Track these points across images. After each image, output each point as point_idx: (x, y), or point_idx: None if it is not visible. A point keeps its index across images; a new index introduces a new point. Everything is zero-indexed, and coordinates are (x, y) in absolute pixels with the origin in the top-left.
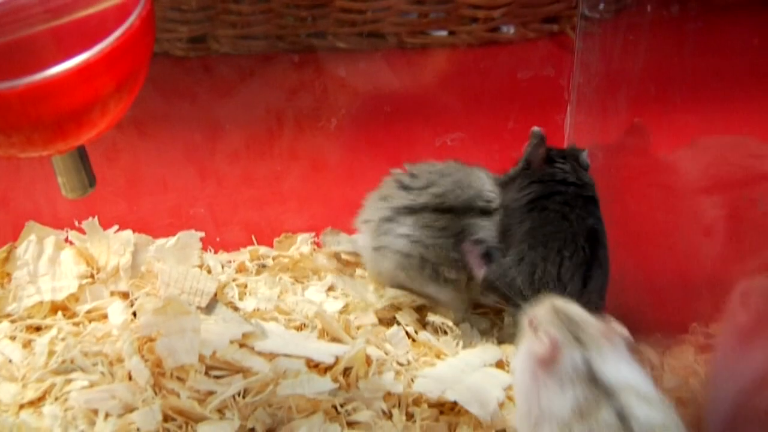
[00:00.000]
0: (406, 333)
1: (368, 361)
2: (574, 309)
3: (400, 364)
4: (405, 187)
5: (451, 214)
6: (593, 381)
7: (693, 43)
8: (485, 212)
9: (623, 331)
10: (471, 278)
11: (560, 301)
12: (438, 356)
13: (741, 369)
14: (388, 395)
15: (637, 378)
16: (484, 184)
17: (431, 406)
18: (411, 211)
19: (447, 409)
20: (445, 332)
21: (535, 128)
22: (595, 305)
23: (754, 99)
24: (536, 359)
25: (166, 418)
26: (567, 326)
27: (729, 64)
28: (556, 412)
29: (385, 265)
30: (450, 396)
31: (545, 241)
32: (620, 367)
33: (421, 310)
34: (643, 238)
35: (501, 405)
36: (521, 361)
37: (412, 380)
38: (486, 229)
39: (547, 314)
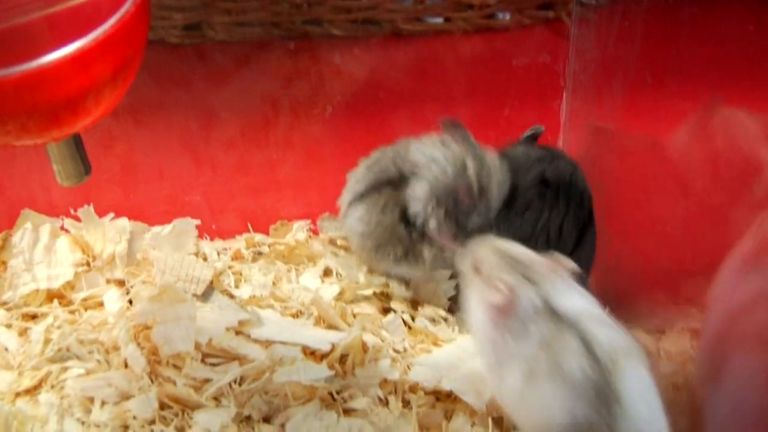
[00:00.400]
0: (403, 320)
1: (364, 348)
2: (516, 248)
3: (397, 351)
4: (367, 169)
5: (389, 189)
6: (553, 315)
7: (688, 29)
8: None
9: (569, 262)
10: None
11: (499, 241)
12: (435, 343)
13: (734, 294)
14: (384, 382)
15: (591, 305)
16: (417, 150)
17: (427, 393)
18: (363, 193)
19: (443, 396)
20: (445, 319)
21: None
22: (584, 267)
23: (750, 86)
24: (495, 309)
25: (162, 406)
26: (516, 268)
27: (725, 50)
28: (523, 351)
29: (355, 249)
30: (446, 385)
31: (553, 196)
32: (574, 298)
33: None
34: (639, 223)
35: None
36: (479, 314)
37: (409, 367)
38: (419, 199)
39: (492, 258)
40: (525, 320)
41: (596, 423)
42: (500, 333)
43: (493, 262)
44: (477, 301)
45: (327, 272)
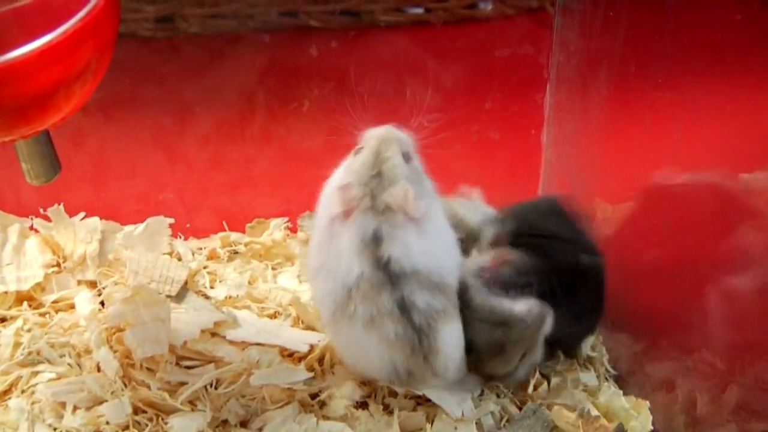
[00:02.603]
0: None
1: None
2: (398, 163)
3: None
4: None
5: None
6: (379, 260)
7: (674, 19)
8: None
9: (422, 207)
10: None
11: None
12: None
13: None
14: (362, 384)
15: (425, 263)
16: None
17: (408, 397)
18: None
19: (424, 400)
20: None
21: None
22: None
23: (737, 75)
24: (333, 217)
25: (135, 411)
26: (374, 185)
27: (711, 40)
28: (343, 275)
29: None
30: (418, 391)
31: None
32: (410, 250)
33: None
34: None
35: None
36: (325, 198)
37: None
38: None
39: (365, 164)
40: (352, 245)
41: (415, 370)
42: (330, 238)
43: (359, 166)
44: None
45: (305, 272)
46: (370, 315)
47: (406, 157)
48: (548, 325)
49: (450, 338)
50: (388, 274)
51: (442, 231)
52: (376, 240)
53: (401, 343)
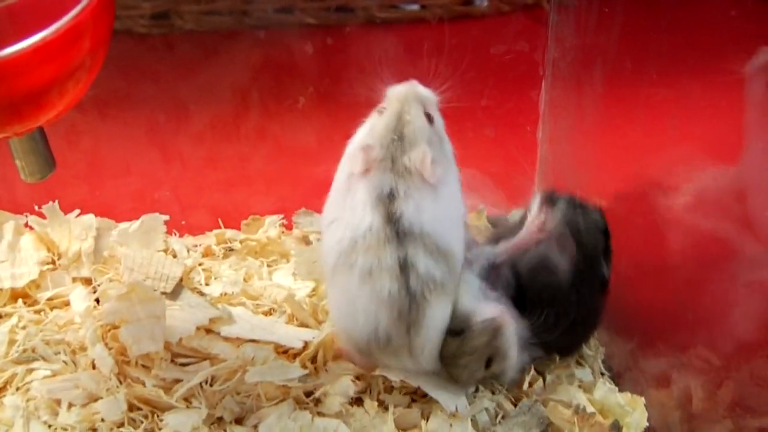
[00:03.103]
0: None
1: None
2: (420, 126)
3: None
4: None
5: None
6: (390, 217)
7: (669, 15)
8: None
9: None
10: None
11: (422, 94)
12: None
13: None
14: (357, 380)
15: (435, 228)
16: None
17: (403, 393)
18: None
19: (419, 396)
20: None
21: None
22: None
23: (732, 72)
24: (352, 173)
25: (131, 408)
26: (395, 148)
27: (706, 36)
28: (350, 219)
29: None
30: (413, 382)
31: None
32: (422, 211)
33: None
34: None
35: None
36: (342, 172)
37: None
38: None
39: (387, 127)
40: (366, 201)
41: (395, 338)
42: (347, 193)
43: (379, 127)
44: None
45: (300, 269)
46: (370, 267)
47: (429, 118)
48: (507, 337)
49: (438, 316)
50: (396, 230)
51: (455, 199)
52: (390, 197)
53: (391, 302)
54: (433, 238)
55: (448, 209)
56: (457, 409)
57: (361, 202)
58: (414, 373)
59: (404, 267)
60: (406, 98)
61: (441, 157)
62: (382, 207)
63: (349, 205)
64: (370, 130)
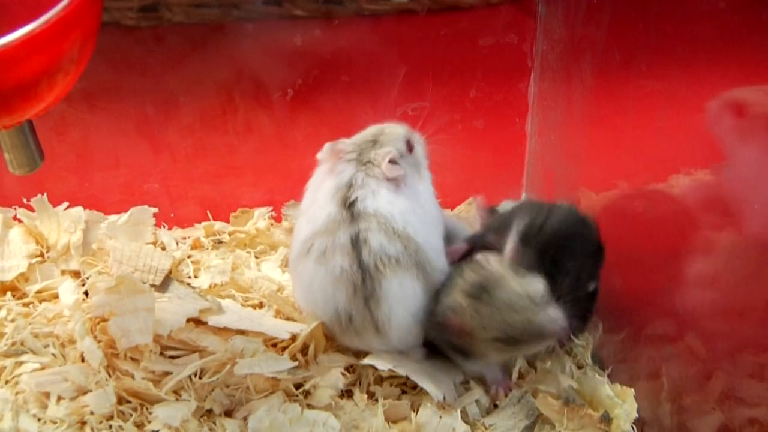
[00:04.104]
0: None
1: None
2: (395, 134)
3: None
4: None
5: None
6: (345, 201)
7: (658, 6)
8: None
9: (398, 170)
10: None
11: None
12: None
13: None
14: (347, 372)
15: (390, 210)
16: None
17: (393, 385)
18: None
19: (409, 387)
20: None
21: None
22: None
23: (720, 64)
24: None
25: (120, 401)
26: (365, 147)
27: (695, 29)
28: (314, 212)
29: None
30: (401, 371)
31: None
32: (378, 197)
33: None
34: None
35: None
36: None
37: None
38: None
39: (366, 134)
40: (333, 189)
41: (355, 313)
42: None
43: (359, 139)
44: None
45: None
46: (324, 248)
47: (409, 146)
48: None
49: (398, 291)
50: (351, 213)
51: (421, 201)
52: (349, 185)
53: (345, 279)
54: (389, 219)
55: (411, 204)
56: (445, 398)
57: (323, 195)
58: (403, 363)
59: (356, 243)
60: (393, 125)
61: (412, 172)
62: (340, 195)
63: (315, 198)
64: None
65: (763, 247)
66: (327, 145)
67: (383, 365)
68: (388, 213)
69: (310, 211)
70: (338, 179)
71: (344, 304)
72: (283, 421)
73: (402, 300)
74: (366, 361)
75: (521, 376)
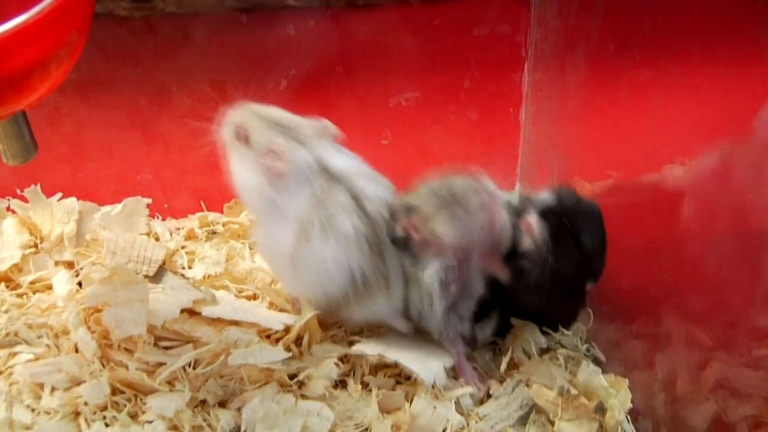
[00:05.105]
0: None
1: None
2: (278, 113)
3: (353, 333)
4: None
5: None
6: (325, 172)
7: None
8: None
9: (332, 127)
10: None
11: (257, 106)
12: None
13: None
14: (341, 363)
15: (359, 164)
16: None
17: (387, 376)
18: None
19: (403, 378)
20: None
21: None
22: None
23: (714, 54)
24: (271, 173)
25: (114, 391)
26: (285, 132)
27: (689, 18)
28: (298, 210)
29: None
30: (391, 356)
31: None
32: (342, 157)
33: None
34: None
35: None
36: (254, 179)
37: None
38: None
39: (259, 124)
40: (299, 179)
41: (369, 271)
42: (276, 194)
43: (261, 128)
44: (249, 168)
45: None
46: (323, 219)
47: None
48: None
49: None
50: (330, 177)
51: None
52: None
53: (358, 237)
54: (363, 169)
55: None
56: (435, 382)
57: (293, 185)
58: (392, 349)
59: (356, 197)
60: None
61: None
62: (311, 173)
63: (277, 199)
64: None
65: (757, 236)
66: (280, 154)
67: (373, 350)
68: (357, 164)
69: (284, 208)
70: (296, 165)
71: (359, 265)
72: (277, 411)
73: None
74: (356, 348)
75: (515, 366)
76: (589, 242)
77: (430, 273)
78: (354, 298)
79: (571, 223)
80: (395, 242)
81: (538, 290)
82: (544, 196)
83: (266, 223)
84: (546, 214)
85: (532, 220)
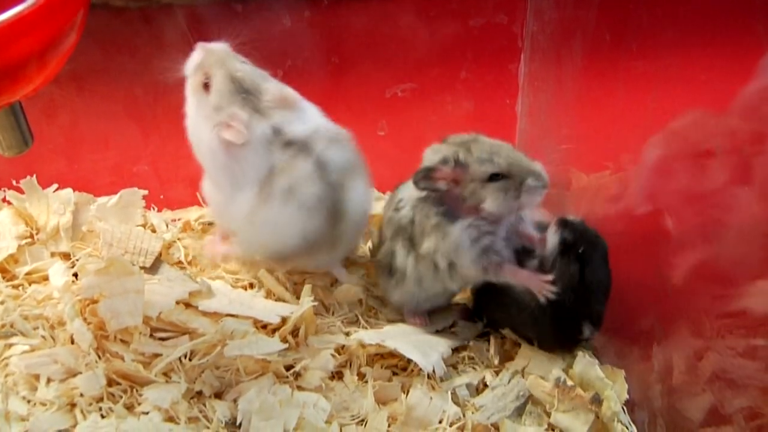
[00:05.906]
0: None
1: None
2: (244, 69)
3: (350, 323)
4: None
5: None
6: (287, 143)
7: None
8: None
9: (292, 93)
10: None
11: (228, 53)
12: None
13: None
14: (337, 353)
15: (320, 125)
16: None
17: (384, 367)
18: None
19: (400, 369)
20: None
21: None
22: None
23: (710, 45)
24: (228, 141)
25: (110, 382)
26: (246, 100)
27: (685, 9)
28: (258, 176)
29: None
30: (390, 344)
31: None
32: (303, 125)
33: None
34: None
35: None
36: (207, 134)
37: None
38: None
39: (221, 78)
40: (258, 150)
41: (321, 235)
42: (235, 160)
43: (224, 86)
44: (205, 123)
45: None
46: (288, 185)
47: None
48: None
49: (356, 197)
50: (296, 147)
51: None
52: (276, 131)
53: (319, 207)
54: (329, 129)
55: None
56: (434, 370)
57: (254, 152)
58: (390, 337)
59: (321, 166)
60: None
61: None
62: (271, 141)
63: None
64: None
65: (755, 226)
66: (238, 127)
67: (371, 339)
68: (318, 126)
69: (240, 177)
70: (254, 138)
71: (313, 232)
72: (273, 402)
73: (360, 205)
74: (354, 337)
75: (510, 357)
76: (592, 275)
77: (461, 227)
78: (293, 257)
79: (583, 253)
80: (429, 191)
81: (531, 309)
82: (576, 221)
83: (221, 185)
84: (566, 234)
85: (550, 237)
